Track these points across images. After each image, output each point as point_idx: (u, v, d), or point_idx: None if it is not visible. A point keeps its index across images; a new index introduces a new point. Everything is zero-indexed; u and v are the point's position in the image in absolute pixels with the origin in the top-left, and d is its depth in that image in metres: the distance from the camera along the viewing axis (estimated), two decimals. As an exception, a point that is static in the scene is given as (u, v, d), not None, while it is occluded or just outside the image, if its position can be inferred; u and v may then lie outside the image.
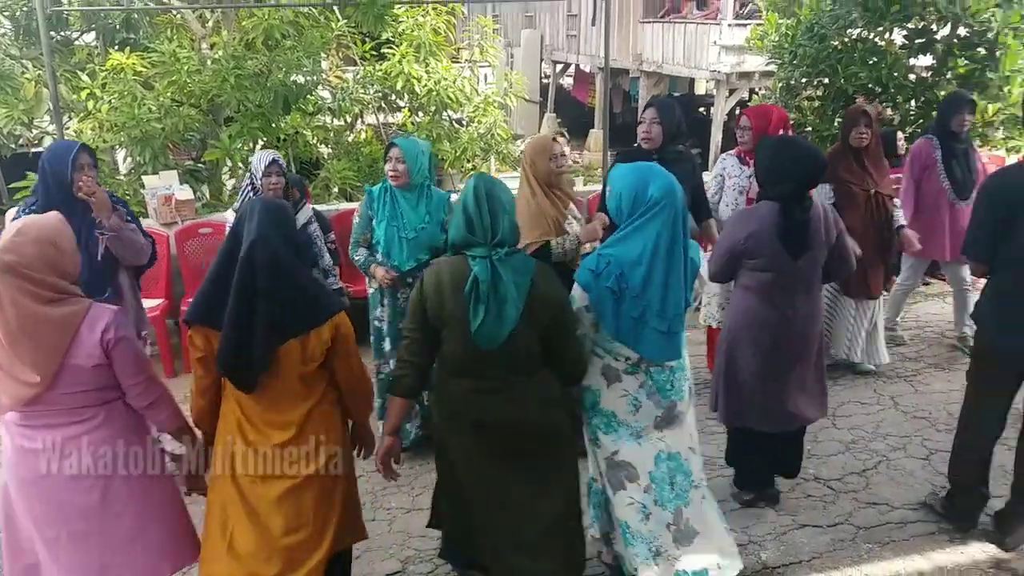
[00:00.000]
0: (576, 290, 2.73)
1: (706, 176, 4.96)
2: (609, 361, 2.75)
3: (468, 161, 9.04)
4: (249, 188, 3.98)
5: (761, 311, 3.24)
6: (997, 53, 6.94)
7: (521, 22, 23.36)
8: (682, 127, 4.11)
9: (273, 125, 8.32)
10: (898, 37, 7.59)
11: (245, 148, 8.23)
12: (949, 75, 7.24)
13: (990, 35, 6.90)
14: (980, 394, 3.38)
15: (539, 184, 3.69)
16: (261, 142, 8.38)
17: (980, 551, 3.36)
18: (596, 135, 18.43)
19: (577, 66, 21.36)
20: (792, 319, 3.25)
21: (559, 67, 22.58)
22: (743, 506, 3.68)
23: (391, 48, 8.95)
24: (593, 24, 17.51)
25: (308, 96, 8.73)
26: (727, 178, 4.56)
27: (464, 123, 9.29)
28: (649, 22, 16.59)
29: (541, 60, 22.63)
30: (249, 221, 2.36)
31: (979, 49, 7.09)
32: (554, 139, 3.83)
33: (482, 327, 2.45)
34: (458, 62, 9.88)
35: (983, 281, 3.39)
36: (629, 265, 2.64)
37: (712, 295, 4.64)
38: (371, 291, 4.01)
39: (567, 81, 24.01)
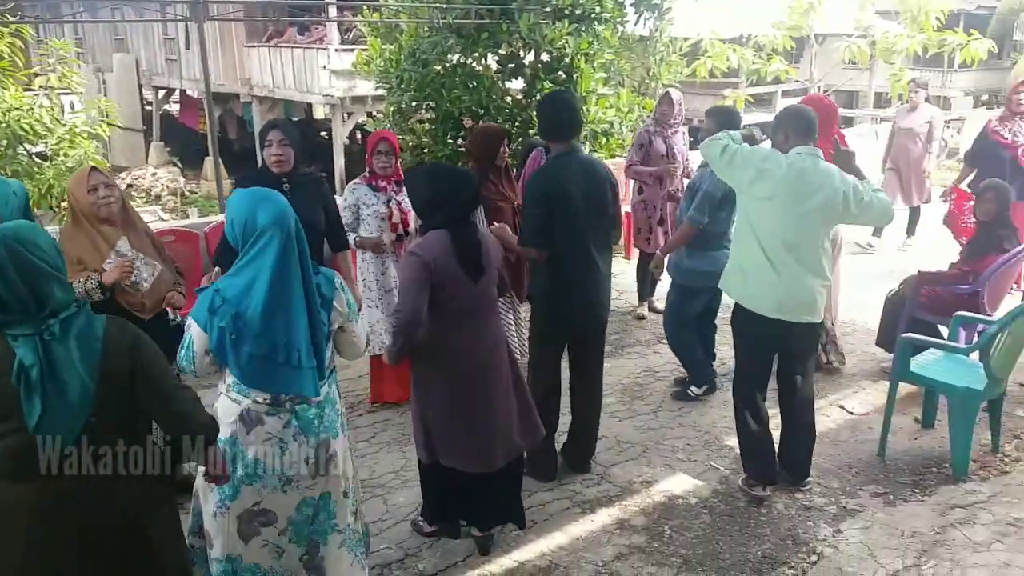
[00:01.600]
0: (195, 331, 2.47)
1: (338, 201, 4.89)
2: (247, 405, 2.53)
3: (62, 200, 7.97)
4: None
5: (454, 341, 3.16)
6: (574, 76, 7.89)
7: (111, 45, 21.34)
8: (304, 149, 4.06)
9: None
10: (493, 62, 8.28)
11: None
12: (538, 96, 8.06)
13: (567, 60, 7.83)
14: (542, 365, 3.93)
15: (83, 218, 3.41)
16: None
17: (607, 516, 3.74)
18: (212, 163, 17.51)
19: (183, 91, 20.10)
20: (485, 343, 3.25)
21: (162, 93, 21.05)
22: (425, 536, 3.57)
23: (-62, 75, 7.59)
24: (187, 48, 16.59)
25: None
26: (363, 207, 4.47)
27: (48, 157, 8.17)
28: (255, 46, 16.16)
29: (140, 86, 20.90)
30: None
31: (560, 73, 8.00)
32: (93, 169, 3.51)
33: (43, 422, 1.96)
34: (32, 89, 8.69)
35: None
36: (245, 300, 2.42)
37: (376, 321, 4.56)
38: None
39: (175, 107, 22.50)
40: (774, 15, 13.23)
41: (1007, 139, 6.26)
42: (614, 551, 3.48)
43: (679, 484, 3.99)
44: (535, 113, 7.79)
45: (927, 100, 8.20)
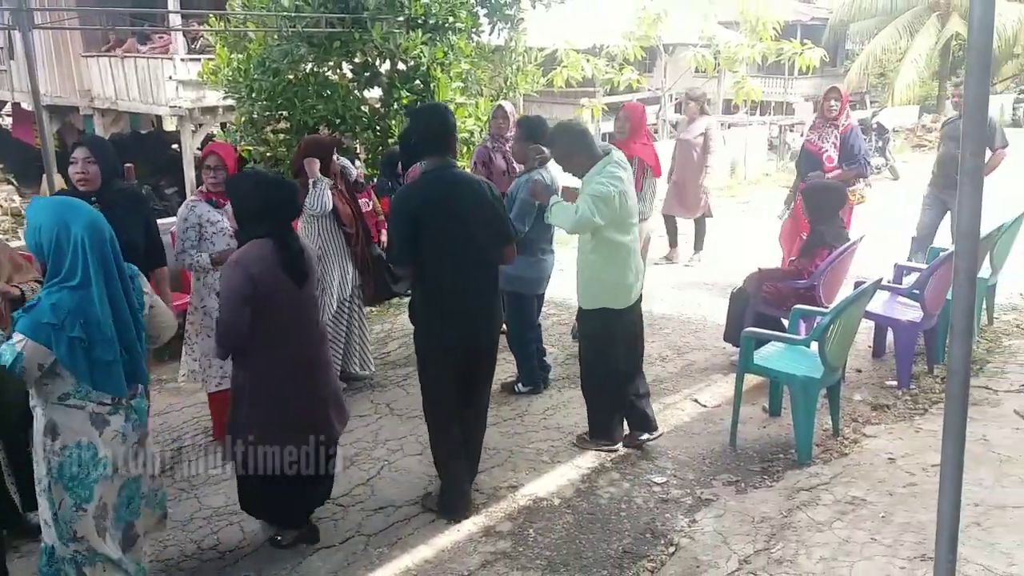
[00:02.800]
0: (29, 348, 2.44)
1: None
2: (92, 408, 2.62)
3: None
4: None
5: (282, 349, 3.22)
6: (431, 85, 7.87)
7: (-73, 55, 19.59)
8: (118, 166, 3.97)
9: None
10: (348, 71, 8.16)
11: None
12: (396, 106, 7.99)
13: (423, 69, 7.80)
14: (435, 388, 3.76)
15: None
16: None
17: (472, 524, 3.72)
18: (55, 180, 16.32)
19: (15, 104, 18.68)
20: (309, 347, 3.33)
21: (-8, 106, 19.54)
22: (286, 548, 3.50)
23: None
24: (11, 58, 15.48)
25: None
26: (208, 225, 4.25)
27: None
28: (94, 56, 15.25)
29: (-34, 99, 19.30)
30: None
31: (416, 82, 7.95)
32: None
33: None
34: None
35: None
36: (88, 308, 2.47)
37: (204, 355, 4.35)
38: None
39: (8, 121, 20.89)
40: (624, 26, 13.71)
41: (816, 145, 6.45)
42: (480, 559, 3.47)
43: (543, 486, 4.03)
44: (393, 122, 7.83)
45: (703, 111, 8.17)
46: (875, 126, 14.75)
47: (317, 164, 4.74)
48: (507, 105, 6.15)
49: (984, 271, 5.73)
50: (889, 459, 4.15)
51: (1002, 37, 21.03)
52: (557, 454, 4.36)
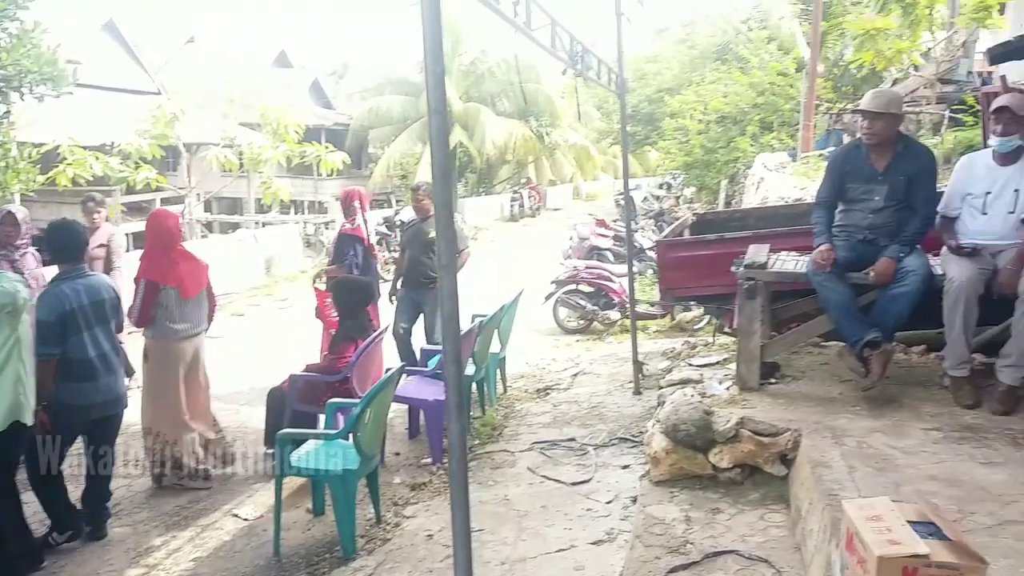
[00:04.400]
0: None
1: None
2: None
3: None
4: None
5: None
6: None
7: None
8: None
9: None
10: None
11: None
12: None
13: None
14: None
15: None
16: None
17: None
18: None
19: None
20: None
21: None
22: None
23: None
24: None
25: None
26: None
27: None
28: None
29: None
30: None
31: None
32: None
33: None
34: None
35: None
36: None
37: None
38: None
39: None
40: (138, 124, 13.00)
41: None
42: None
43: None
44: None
45: (107, 219, 7.28)
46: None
47: None
48: (19, 211, 5.31)
49: (495, 347, 6.42)
50: (428, 536, 4.29)
51: (497, 146, 24.59)
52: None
